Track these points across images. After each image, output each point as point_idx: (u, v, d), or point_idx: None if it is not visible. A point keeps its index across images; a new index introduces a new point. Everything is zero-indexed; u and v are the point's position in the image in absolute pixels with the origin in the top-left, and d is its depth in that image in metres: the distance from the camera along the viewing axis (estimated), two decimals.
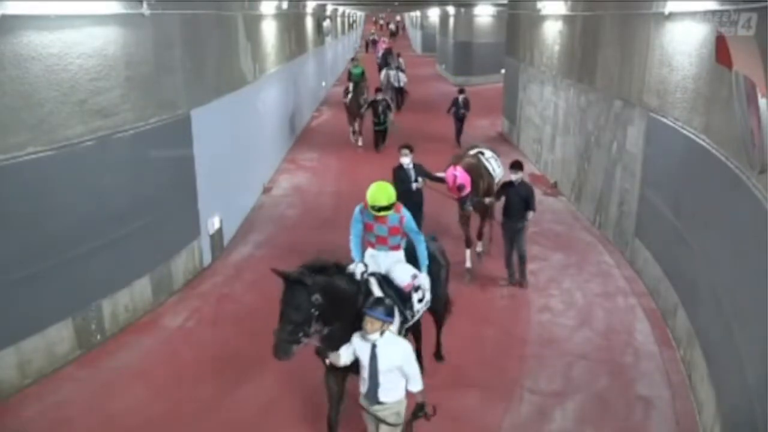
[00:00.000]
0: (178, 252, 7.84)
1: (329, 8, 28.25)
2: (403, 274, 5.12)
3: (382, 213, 4.97)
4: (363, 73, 17.13)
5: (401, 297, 5.03)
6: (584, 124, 10.58)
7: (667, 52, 7.21)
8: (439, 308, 5.84)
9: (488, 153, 8.88)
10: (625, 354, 6.48)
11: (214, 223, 8.81)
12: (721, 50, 4.80)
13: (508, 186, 7.75)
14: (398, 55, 24.89)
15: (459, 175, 7.77)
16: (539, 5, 13.42)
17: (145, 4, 6.81)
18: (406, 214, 5.12)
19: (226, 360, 6.33)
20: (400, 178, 7.97)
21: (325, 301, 4.29)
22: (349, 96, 15.92)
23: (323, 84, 24.97)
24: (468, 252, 8.34)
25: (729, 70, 4.73)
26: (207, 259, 8.60)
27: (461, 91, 15.97)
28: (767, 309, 4.10)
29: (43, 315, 5.92)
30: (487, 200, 8.06)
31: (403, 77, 20.62)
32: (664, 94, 7.28)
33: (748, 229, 4.68)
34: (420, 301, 5.24)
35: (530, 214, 7.58)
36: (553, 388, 5.89)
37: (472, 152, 8.83)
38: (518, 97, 16.10)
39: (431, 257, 5.38)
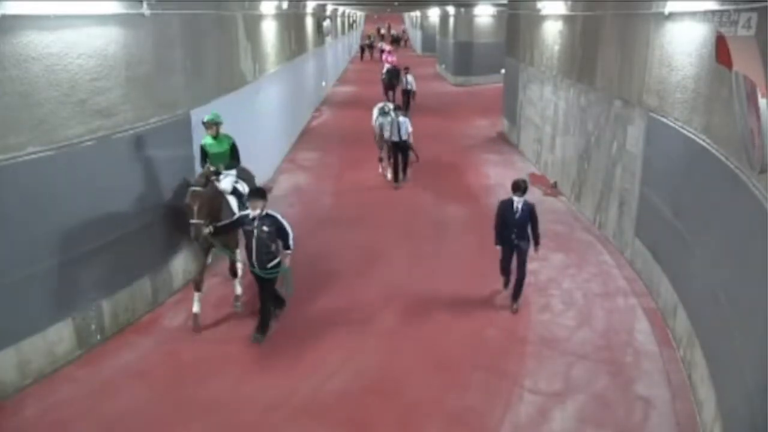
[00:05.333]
0: (178, 252, 7.84)
1: (329, 8, 28.29)
2: None
3: None
4: (233, 150, 7.59)
5: None
6: (584, 124, 10.58)
7: (667, 52, 7.21)
8: None
9: None
10: (625, 354, 6.48)
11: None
12: (721, 50, 4.79)
13: None
14: (406, 70, 19.75)
15: None
16: (539, 5, 13.42)
17: (145, 4, 6.82)
18: None
19: (226, 360, 6.34)
20: None
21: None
22: (196, 208, 6.49)
23: (323, 84, 25.00)
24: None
25: (729, 70, 4.73)
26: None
27: (519, 188, 6.99)
28: (767, 309, 4.11)
29: (43, 315, 5.92)
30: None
31: (406, 125, 12.04)
32: (664, 94, 7.28)
33: (748, 229, 4.68)
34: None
35: None
36: (553, 388, 5.89)
37: None
38: (518, 97, 16.10)
39: None
